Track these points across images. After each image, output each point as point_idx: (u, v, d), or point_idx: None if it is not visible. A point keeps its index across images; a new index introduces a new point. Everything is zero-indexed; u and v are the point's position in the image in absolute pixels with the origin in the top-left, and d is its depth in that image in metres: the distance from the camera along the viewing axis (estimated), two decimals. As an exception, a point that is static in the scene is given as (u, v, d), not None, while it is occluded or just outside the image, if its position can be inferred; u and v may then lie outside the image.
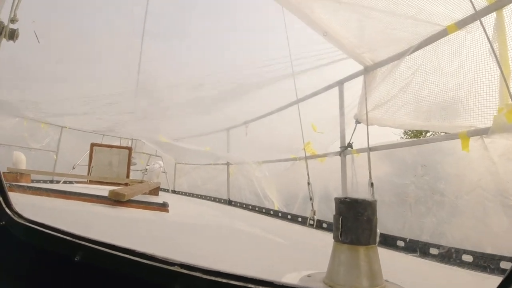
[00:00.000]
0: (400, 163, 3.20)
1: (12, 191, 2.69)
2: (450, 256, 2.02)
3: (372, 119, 3.30)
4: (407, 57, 2.89)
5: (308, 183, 3.75)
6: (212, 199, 6.26)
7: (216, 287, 0.77)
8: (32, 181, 5.04)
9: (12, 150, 5.51)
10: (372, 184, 3.05)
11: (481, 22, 2.07)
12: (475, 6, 2.08)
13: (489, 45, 2.10)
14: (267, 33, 4.46)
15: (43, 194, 2.80)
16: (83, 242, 0.93)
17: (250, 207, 4.94)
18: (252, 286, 0.76)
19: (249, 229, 3.10)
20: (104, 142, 8.05)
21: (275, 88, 4.68)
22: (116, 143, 8.62)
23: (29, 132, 7.17)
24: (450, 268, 1.93)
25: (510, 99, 1.94)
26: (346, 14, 2.89)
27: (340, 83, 3.87)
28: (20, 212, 1.13)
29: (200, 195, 6.78)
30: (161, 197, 4.31)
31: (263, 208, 4.66)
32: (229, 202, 5.80)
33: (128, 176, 6.94)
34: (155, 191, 5.06)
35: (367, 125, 3.29)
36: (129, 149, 7.37)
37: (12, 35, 2.34)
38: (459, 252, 1.98)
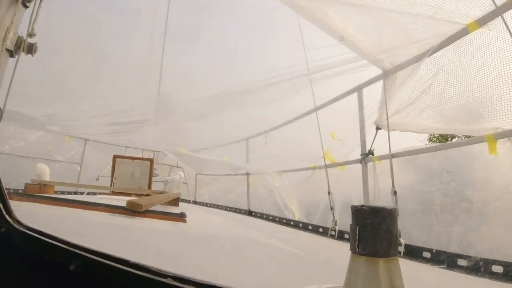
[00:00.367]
0: (425, 170, 3.06)
1: (31, 201, 2.75)
2: (479, 267, 1.89)
3: (393, 124, 3.18)
4: (427, 58, 2.77)
5: (329, 193, 3.65)
6: (233, 209, 6.21)
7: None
8: (56, 192, 5.16)
9: (37, 162, 5.65)
10: (395, 192, 2.92)
11: (503, 19, 1.97)
12: (495, 2, 1.98)
13: (512, 42, 2.00)
14: (281, 40, 4.43)
15: (62, 205, 2.83)
16: (77, 251, 0.92)
17: (270, 217, 4.87)
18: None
19: (267, 241, 3.03)
20: (127, 154, 8.20)
21: (293, 97, 4.63)
22: (138, 155, 8.75)
23: (53, 145, 7.39)
24: (479, 280, 1.81)
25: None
26: (361, 17, 2.82)
27: (359, 89, 3.78)
28: (20, 219, 1.14)
29: (221, 206, 6.76)
30: (181, 208, 4.30)
31: (284, 218, 4.58)
32: (249, 213, 5.74)
33: (150, 187, 7.00)
34: (175, 201, 5.06)
35: (388, 131, 3.17)
36: (151, 160, 7.46)
37: (31, 49, 2.41)
38: (489, 262, 1.86)
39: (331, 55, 3.62)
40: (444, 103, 2.71)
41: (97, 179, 7.66)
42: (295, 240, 3.28)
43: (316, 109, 4.04)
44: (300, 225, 4.03)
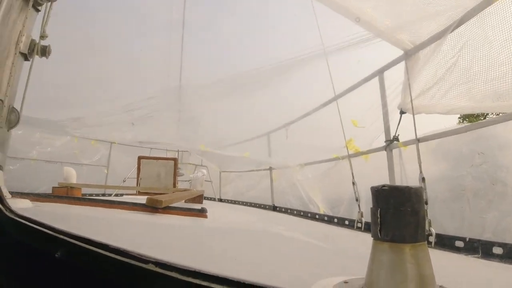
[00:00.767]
0: (454, 153, 2.89)
1: (53, 202, 2.81)
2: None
3: (418, 106, 3.01)
4: (450, 34, 2.60)
5: (353, 183, 3.50)
6: (257, 205, 6.17)
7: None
8: (84, 195, 5.27)
9: (64, 166, 5.80)
10: (423, 179, 2.76)
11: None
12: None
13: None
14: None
15: (84, 204, 2.89)
16: (62, 236, 0.90)
17: (295, 212, 4.78)
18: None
19: (291, 235, 2.95)
20: (152, 155, 8.35)
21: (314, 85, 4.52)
22: (163, 155, 8.88)
23: (79, 149, 7.61)
24: None
25: None
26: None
27: (380, 72, 3.61)
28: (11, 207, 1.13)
29: (245, 202, 6.73)
30: (205, 205, 4.29)
31: (309, 212, 4.49)
32: (274, 208, 5.67)
33: (174, 186, 7.10)
34: (199, 199, 5.08)
35: (413, 114, 2.99)
36: (175, 160, 7.56)
37: (44, 52, 2.43)
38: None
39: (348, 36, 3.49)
40: (471, 80, 2.52)
41: (124, 181, 7.83)
42: (320, 233, 3.19)
43: (336, 97, 3.91)
44: (325, 218, 3.93)
